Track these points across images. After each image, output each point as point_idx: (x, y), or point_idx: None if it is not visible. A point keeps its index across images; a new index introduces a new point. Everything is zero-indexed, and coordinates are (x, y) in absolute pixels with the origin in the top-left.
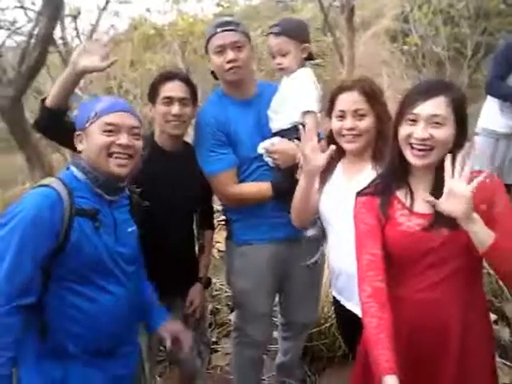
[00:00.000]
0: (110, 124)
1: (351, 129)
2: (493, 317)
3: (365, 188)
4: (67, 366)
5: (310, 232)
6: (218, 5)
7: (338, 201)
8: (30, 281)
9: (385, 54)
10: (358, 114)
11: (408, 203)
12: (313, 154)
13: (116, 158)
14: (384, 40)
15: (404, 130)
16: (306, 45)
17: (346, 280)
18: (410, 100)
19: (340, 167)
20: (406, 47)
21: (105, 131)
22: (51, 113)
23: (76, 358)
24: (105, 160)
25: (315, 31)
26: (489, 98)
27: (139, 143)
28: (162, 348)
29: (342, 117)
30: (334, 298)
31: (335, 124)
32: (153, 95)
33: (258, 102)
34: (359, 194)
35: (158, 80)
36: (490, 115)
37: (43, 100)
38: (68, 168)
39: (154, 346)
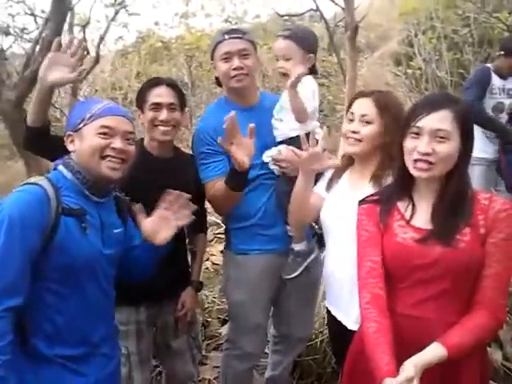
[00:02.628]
0: (105, 127)
1: (354, 132)
2: None
3: (368, 196)
4: (40, 370)
5: (298, 246)
6: (226, 21)
7: (341, 209)
8: (19, 280)
9: (389, 77)
10: (364, 120)
11: (407, 215)
12: (311, 158)
13: (109, 161)
14: (389, 63)
15: (408, 143)
16: (311, 55)
17: (339, 288)
18: (414, 113)
19: (346, 176)
20: (409, 71)
21: (100, 133)
22: (34, 131)
23: (51, 361)
24: (97, 162)
25: (321, 51)
26: None
27: (132, 148)
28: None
29: (351, 120)
30: (327, 308)
31: (344, 126)
32: (141, 102)
33: (259, 109)
34: (362, 201)
35: (145, 86)
36: (476, 143)
37: (25, 119)
38: (55, 168)
39: (144, 350)
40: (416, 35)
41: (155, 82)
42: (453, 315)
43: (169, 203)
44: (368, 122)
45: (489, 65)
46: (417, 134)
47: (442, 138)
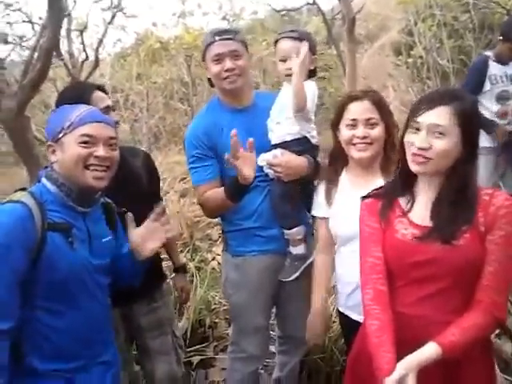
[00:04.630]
0: (86, 135)
1: (364, 137)
2: None
3: (371, 191)
4: None
5: (296, 250)
6: (224, 18)
7: (351, 215)
8: (9, 302)
9: (390, 67)
10: (370, 123)
11: (408, 211)
12: None
13: (93, 170)
14: (389, 53)
15: (408, 138)
16: (315, 57)
17: None
18: (415, 108)
19: (346, 180)
20: (410, 60)
21: (81, 142)
22: None
23: (49, 376)
24: (81, 172)
25: (320, 44)
26: None
27: (116, 154)
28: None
29: (353, 125)
30: (342, 313)
31: (345, 133)
32: None
33: (254, 110)
34: (365, 196)
35: (83, 92)
36: None
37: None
38: (39, 180)
39: (121, 343)
40: (416, 24)
41: (90, 88)
42: (451, 314)
43: (157, 215)
44: (374, 124)
45: (488, 53)
46: (416, 129)
47: (439, 133)
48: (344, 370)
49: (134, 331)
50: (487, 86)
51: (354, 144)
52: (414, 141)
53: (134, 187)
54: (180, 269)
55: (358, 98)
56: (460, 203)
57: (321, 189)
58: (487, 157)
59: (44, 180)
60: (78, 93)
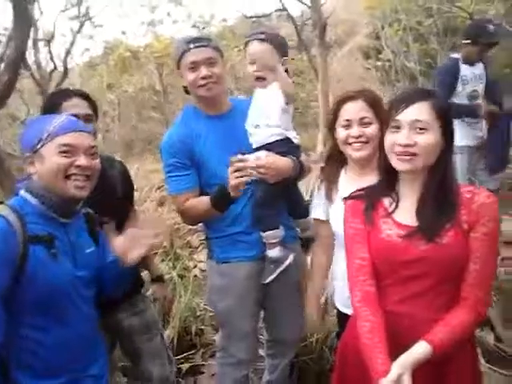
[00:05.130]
0: (66, 145)
1: (358, 136)
2: None
3: (353, 192)
4: None
5: (272, 253)
6: (194, 26)
7: None
8: None
9: (360, 70)
10: (364, 122)
11: (392, 211)
12: None
13: (74, 180)
14: (358, 57)
15: (389, 138)
16: (286, 58)
17: None
18: (392, 107)
19: (346, 180)
20: (379, 63)
21: (61, 152)
22: None
23: None
24: (62, 182)
25: (291, 50)
26: None
27: (97, 162)
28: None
29: (348, 126)
30: (339, 309)
31: (341, 133)
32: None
33: (232, 116)
34: (347, 198)
35: (57, 98)
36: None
37: None
38: (17, 193)
39: (113, 358)
40: (383, 28)
41: (66, 94)
42: (438, 311)
43: (141, 223)
44: (368, 123)
45: (456, 55)
46: (397, 127)
47: (421, 129)
48: (332, 369)
49: (119, 336)
50: (459, 86)
51: (350, 143)
52: (395, 139)
53: (110, 197)
54: (158, 279)
55: (352, 98)
56: (443, 201)
57: (321, 190)
58: (463, 155)
59: (23, 192)
60: (46, 106)
